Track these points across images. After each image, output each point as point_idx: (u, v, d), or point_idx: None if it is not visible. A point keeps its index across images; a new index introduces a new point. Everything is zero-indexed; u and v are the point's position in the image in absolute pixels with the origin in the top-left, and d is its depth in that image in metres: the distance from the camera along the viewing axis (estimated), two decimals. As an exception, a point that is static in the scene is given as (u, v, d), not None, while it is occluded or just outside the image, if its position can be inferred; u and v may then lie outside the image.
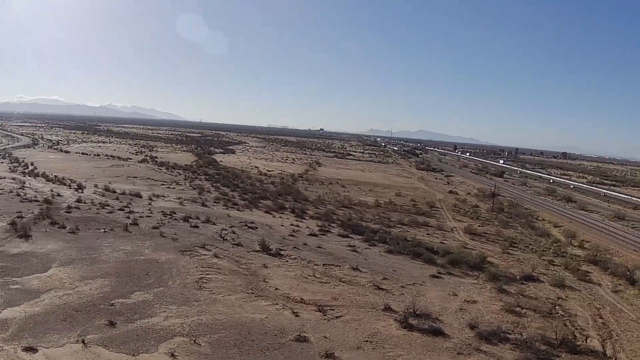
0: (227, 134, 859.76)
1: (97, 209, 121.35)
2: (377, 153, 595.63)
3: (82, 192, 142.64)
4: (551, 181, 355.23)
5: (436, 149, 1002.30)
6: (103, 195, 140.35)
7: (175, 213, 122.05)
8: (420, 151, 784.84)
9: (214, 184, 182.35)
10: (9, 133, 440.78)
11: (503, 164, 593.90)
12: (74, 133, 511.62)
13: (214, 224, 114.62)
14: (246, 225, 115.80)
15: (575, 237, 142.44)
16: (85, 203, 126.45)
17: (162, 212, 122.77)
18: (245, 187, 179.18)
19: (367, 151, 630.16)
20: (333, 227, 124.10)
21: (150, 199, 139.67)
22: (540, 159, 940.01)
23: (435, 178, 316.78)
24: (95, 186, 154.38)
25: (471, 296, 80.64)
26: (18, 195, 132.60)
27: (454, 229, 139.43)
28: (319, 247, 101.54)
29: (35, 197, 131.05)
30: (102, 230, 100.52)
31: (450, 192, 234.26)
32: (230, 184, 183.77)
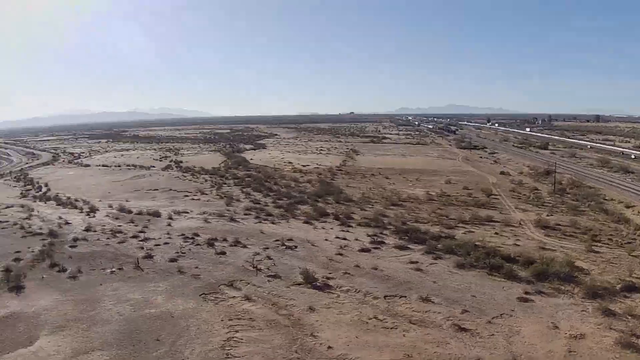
0: (257, 127, 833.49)
1: (107, 238, 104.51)
2: (412, 133, 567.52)
3: (94, 216, 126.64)
4: None
5: (470, 123, 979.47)
6: (116, 219, 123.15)
7: (198, 235, 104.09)
8: (456, 127, 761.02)
9: (244, 189, 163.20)
10: (31, 150, 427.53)
11: (529, 131, 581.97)
12: (99, 142, 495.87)
13: (245, 246, 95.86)
14: (283, 245, 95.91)
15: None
16: (94, 232, 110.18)
17: (182, 235, 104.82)
18: (279, 189, 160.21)
19: (402, 132, 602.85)
20: (386, 235, 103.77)
21: (170, 218, 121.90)
22: (575, 124, 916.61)
23: (480, 157, 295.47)
24: (110, 206, 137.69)
25: (575, 327, 61.60)
26: (22, 228, 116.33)
27: (522, 223, 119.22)
28: (375, 269, 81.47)
29: (40, 229, 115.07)
30: (109, 271, 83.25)
31: (502, 173, 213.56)
32: (262, 187, 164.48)
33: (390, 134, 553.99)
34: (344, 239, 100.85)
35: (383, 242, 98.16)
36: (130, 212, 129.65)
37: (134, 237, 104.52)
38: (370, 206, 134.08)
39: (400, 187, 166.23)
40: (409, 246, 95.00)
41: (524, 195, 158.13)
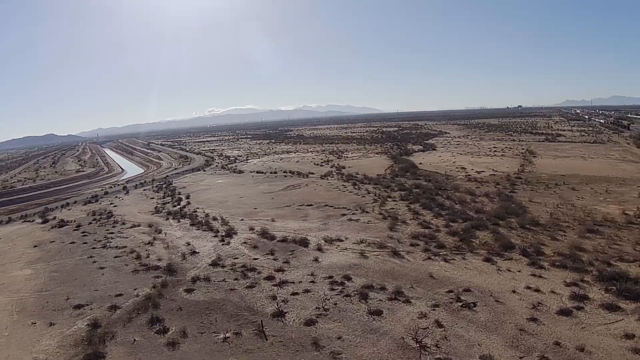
0: (425, 124, 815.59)
1: (235, 279, 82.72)
2: (586, 129, 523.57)
3: (229, 243, 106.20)
4: None
5: (638, 116, 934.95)
6: (254, 247, 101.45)
7: (349, 279, 79.30)
8: (628, 122, 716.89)
9: (412, 205, 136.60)
10: (187, 152, 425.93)
11: None
12: (259, 144, 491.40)
13: (408, 300, 69.14)
14: (458, 300, 70.59)
15: None
16: (222, 267, 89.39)
17: (329, 277, 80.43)
18: (452, 206, 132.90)
19: (574, 127, 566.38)
20: (588, 283, 74.60)
21: (319, 249, 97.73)
22: None
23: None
24: (251, 229, 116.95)
25: None
26: (138, 257, 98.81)
27: None
28: (581, 351, 55.30)
29: (159, 260, 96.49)
30: (221, 337, 61.22)
31: None
32: (432, 202, 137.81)
33: (563, 129, 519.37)
34: (537, 290, 72.10)
35: (586, 297, 69.78)
36: (272, 237, 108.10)
37: (269, 278, 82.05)
38: (562, 233, 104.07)
39: (590, 203, 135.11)
40: (619, 305, 68.06)
41: None
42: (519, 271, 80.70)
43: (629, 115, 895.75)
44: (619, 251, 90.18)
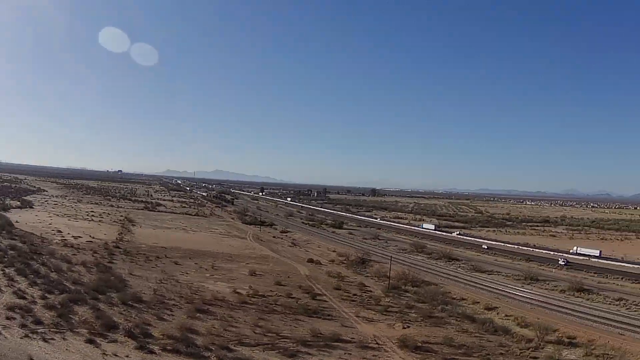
0: (25, 178, 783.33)
1: None
2: (187, 201, 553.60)
3: None
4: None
5: (244, 192, 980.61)
6: None
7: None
8: (232, 197, 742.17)
9: (6, 269, 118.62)
10: None
11: (290, 201, 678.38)
12: None
13: None
14: None
15: (545, 330, 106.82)
16: None
17: None
18: (48, 273, 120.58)
19: (175, 198, 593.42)
20: None
21: None
22: (353, 198, 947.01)
23: (274, 237, 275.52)
24: None
25: None
26: None
27: (380, 342, 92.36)
28: None
29: None
30: None
31: (311, 261, 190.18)
32: (28, 267, 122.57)
33: (164, 199, 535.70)
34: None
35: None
36: None
37: None
38: (169, 312, 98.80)
39: (196, 279, 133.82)
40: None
41: (355, 295, 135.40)
42: (127, 356, 72.14)
43: (233, 191, 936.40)
44: (238, 334, 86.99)
